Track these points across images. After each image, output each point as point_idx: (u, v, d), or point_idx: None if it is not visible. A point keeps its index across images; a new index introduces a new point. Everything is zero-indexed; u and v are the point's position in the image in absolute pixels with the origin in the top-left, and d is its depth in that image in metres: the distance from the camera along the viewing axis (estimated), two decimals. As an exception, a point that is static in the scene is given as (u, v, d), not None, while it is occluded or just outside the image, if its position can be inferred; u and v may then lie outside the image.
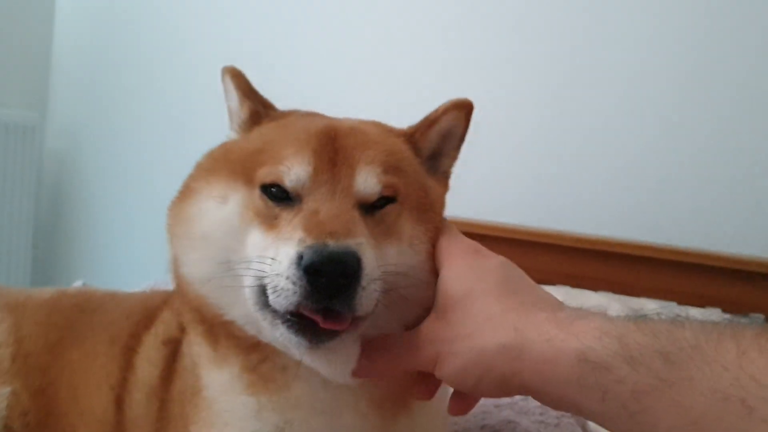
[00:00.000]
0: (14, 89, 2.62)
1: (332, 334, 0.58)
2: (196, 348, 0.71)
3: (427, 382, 0.65)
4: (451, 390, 0.66)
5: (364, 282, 0.57)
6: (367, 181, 0.65)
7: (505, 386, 0.55)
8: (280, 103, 0.78)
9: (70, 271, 2.76)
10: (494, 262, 0.63)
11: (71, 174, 2.81)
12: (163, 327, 0.80)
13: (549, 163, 2.02)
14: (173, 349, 0.77)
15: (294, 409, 0.66)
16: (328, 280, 0.55)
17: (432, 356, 0.60)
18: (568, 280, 1.73)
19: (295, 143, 0.66)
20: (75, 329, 0.84)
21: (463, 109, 0.75)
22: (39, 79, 2.73)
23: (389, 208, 0.66)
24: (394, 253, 0.64)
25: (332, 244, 0.56)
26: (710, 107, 1.86)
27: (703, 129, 1.87)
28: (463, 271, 0.62)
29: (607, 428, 0.51)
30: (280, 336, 0.60)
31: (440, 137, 0.76)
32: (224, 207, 0.66)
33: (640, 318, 0.51)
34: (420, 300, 0.65)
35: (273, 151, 0.66)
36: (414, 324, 0.64)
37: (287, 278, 0.56)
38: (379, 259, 0.61)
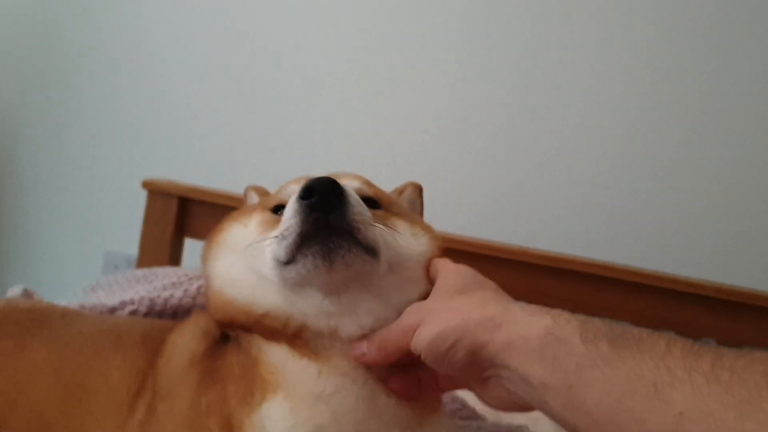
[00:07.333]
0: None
1: (341, 244, 0.67)
2: (246, 335, 0.77)
3: (403, 376, 0.72)
4: None
5: (352, 201, 0.69)
6: (352, 183, 0.80)
7: (474, 355, 0.61)
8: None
9: (3, 274, 2.60)
10: (488, 279, 0.73)
11: (4, 171, 2.64)
12: (203, 318, 0.84)
13: (515, 178, 2.01)
14: (213, 341, 0.80)
15: (343, 376, 0.71)
16: (320, 196, 0.67)
17: (415, 323, 0.66)
18: (527, 296, 1.66)
19: (293, 181, 0.85)
20: (42, 336, 0.83)
21: (417, 188, 0.99)
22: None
23: (379, 210, 0.79)
24: (390, 239, 0.75)
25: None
26: (675, 123, 1.90)
27: (667, 148, 1.89)
28: (464, 273, 0.73)
29: (546, 402, 0.56)
30: (299, 274, 0.69)
31: (408, 204, 0.95)
32: (246, 229, 0.82)
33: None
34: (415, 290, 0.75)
35: (277, 191, 0.87)
36: None
37: (290, 218, 0.68)
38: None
